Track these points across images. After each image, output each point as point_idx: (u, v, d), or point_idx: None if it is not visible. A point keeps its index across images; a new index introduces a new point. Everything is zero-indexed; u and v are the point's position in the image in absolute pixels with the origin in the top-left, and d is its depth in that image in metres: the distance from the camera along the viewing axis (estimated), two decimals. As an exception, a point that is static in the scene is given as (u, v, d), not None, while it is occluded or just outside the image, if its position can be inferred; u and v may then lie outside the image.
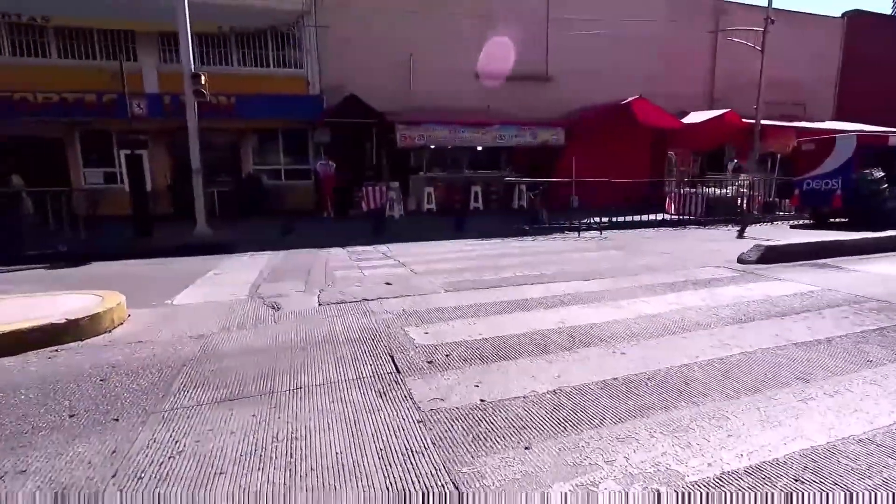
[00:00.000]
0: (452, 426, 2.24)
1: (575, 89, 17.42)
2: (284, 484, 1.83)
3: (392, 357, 3.15)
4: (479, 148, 15.78)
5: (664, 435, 2.11)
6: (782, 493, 1.72)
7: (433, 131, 13.71)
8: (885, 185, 10.49)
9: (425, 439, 2.13)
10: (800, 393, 2.51)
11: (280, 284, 5.56)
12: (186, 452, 2.07)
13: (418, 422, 2.29)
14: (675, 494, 1.72)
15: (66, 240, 7.97)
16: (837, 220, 11.52)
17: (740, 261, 6.23)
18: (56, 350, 3.38)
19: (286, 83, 14.49)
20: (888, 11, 46.49)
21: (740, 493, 1.73)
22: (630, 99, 14.82)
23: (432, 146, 14.66)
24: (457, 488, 1.79)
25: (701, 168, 17.73)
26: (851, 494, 1.72)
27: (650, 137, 16.60)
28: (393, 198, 12.93)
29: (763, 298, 4.42)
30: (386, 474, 1.88)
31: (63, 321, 3.51)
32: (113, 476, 1.91)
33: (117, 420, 2.38)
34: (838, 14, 23.21)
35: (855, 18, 21.82)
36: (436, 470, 1.90)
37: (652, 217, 12.05)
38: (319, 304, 4.51)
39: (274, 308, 4.44)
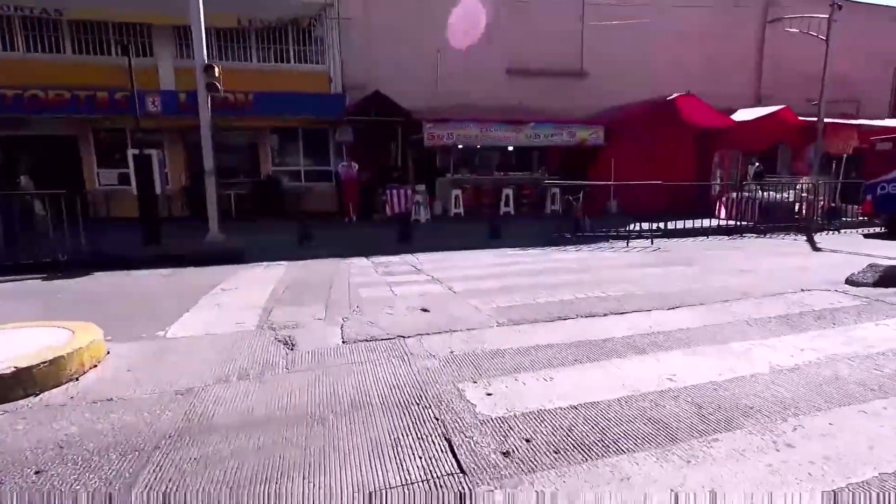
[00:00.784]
0: None
1: (610, 86, 16.29)
2: None
3: (449, 441, 2.20)
4: (510, 148, 14.77)
5: None
6: None
7: (463, 129, 12.75)
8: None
9: None
10: None
11: (296, 308, 4.67)
12: None
13: None
14: None
15: (69, 246, 7.26)
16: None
17: (851, 283, 5.11)
18: (-4, 412, 2.54)
19: (307, 80, 13.72)
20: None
21: None
22: (675, 95, 13.63)
23: (460, 146, 13.70)
24: None
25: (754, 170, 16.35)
26: None
27: (694, 137, 15.36)
28: (419, 201, 12.03)
29: (924, 343, 3.35)
30: None
31: (9, 371, 2.66)
32: None
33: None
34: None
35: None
36: None
37: (701, 223, 10.84)
38: (344, 342, 3.59)
39: (287, 345, 3.54)
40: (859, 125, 15.38)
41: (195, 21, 8.24)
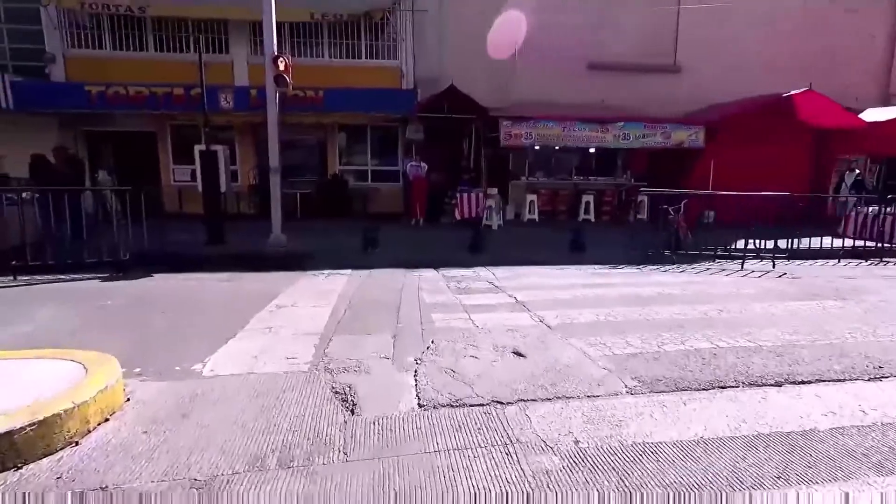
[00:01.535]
0: None
1: (707, 82, 14.46)
2: None
3: None
4: (592, 150, 13.42)
5: None
6: None
7: (543, 128, 11.60)
8: None
9: None
10: None
11: (359, 338, 3.85)
12: None
13: None
14: None
15: (133, 244, 6.98)
16: None
17: None
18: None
19: (378, 75, 13.15)
20: None
21: None
22: (794, 92, 11.71)
23: (537, 147, 12.56)
24: None
25: (879, 178, 13.96)
26: None
27: (811, 139, 13.25)
28: (492, 206, 11.04)
29: None
30: None
31: (-18, 439, 1.97)
32: None
33: None
34: None
35: None
36: None
37: (830, 243, 8.99)
38: (421, 405, 2.67)
39: (346, 403, 2.68)
40: None
41: (266, 11, 7.76)
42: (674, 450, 2.21)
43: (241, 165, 13.34)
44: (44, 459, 2.10)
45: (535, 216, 12.55)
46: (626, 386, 2.93)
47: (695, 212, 11.59)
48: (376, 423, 2.46)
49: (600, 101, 14.21)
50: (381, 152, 14.17)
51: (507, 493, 1.90)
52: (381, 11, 12.57)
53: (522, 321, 4.42)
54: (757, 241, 8.40)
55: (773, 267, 7.72)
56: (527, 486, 1.95)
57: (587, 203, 12.71)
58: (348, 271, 7.03)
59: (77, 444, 2.23)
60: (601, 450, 2.21)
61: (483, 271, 7.12)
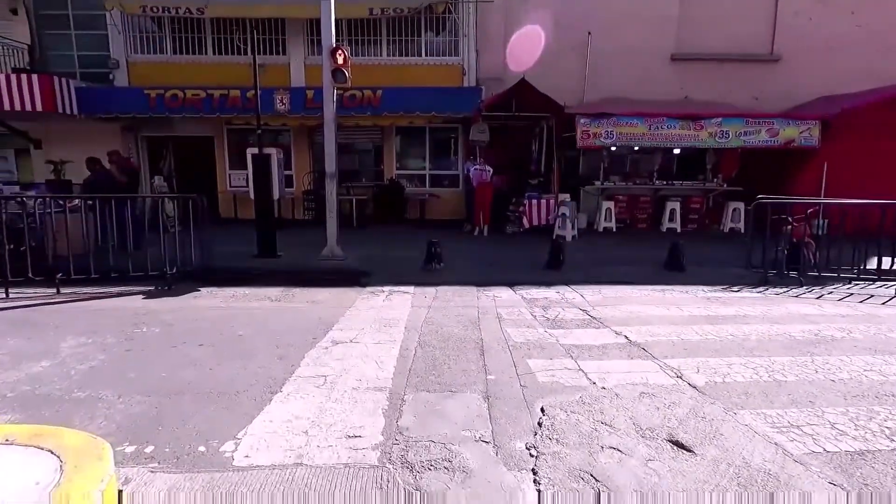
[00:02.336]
0: None
1: (812, 73, 12.59)
2: None
3: None
4: (677, 151, 11.91)
5: None
6: None
7: (626, 126, 10.25)
8: None
9: None
10: None
11: (439, 400, 2.86)
12: None
13: None
14: None
15: (179, 256, 6.40)
16: None
17: None
18: None
19: (439, 73, 12.28)
20: None
21: None
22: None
23: (613, 148, 11.21)
24: None
25: None
26: None
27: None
28: (565, 214, 9.83)
29: None
30: None
31: None
32: None
33: None
34: None
35: None
36: None
37: None
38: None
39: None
40: None
41: (325, 2, 7.03)
42: None
43: (297, 170, 12.85)
44: None
45: (612, 225, 11.21)
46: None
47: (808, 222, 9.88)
48: None
49: (682, 96, 12.70)
50: (440, 155, 13.29)
51: None
52: (444, 3, 11.68)
53: (654, 376, 3.28)
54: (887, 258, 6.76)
55: (939, 294, 6.10)
56: None
57: (672, 210, 11.22)
58: (411, 289, 6.12)
59: None
60: None
61: (568, 292, 6.00)
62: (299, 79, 12.31)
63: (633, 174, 12.40)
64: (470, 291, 6.02)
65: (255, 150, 7.15)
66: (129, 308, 5.14)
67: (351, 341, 3.99)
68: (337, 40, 7.26)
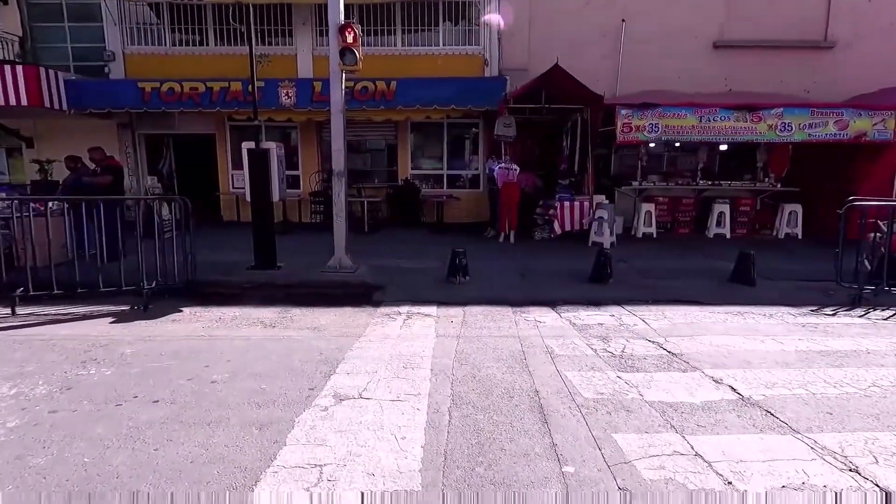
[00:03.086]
0: None
1: (871, 61, 11.32)
2: None
3: None
4: (723, 147, 10.70)
5: None
6: None
7: (673, 118, 9.07)
8: None
9: None
10: None
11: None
12: None
13: None
14: None
15: (169, 266, 5.43)
16: None
17: None
18: None
19: (457, 63, 11.24)
20: None
21: None
22: None
23: (652, 144, 10.05)
24: None
25: None
26: None
27: None
28: (603, 218, 8.70)
29: None
30: None
31: None
32: None
33: None
34: None
35: None
36: None
37: None
38: None
39: None
40: None
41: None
42: None
43: (304, 170, 11.89)
44: None
45: (653, 230, 10.04)
46: None
47: (855, 223, 8.60)
48: None
49: (727, 90, 11.50)
50: (458, 154, 12.24)
51: None
52: (463, -13, 10.65)
53: (812, 468, 2.17)
54: None
55: None
56: None
57: (721, 214, 10.02)
58: (433, 310, 5.07)
59: None
60: None
61: (625, 315, 4.90)
62: (307, 71, 11.36)
63: (674, 173, 11.21)
64: (505, 313, 4.95)
65: (252, 144, 6.14)
66: (87, 337, 4.15)
67: (360, 396, 2.93)
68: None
